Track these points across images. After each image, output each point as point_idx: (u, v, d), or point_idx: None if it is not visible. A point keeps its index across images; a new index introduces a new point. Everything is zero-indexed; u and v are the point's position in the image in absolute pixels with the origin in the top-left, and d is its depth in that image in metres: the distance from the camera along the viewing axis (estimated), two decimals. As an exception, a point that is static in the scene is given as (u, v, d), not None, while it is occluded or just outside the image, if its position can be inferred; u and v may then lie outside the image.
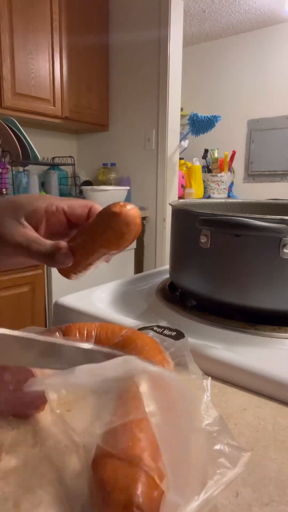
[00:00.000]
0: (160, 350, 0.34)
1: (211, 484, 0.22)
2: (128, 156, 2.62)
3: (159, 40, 2.31)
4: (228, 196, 3.14)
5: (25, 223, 0.32)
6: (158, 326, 0.42)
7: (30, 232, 0.32)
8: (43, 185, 2.57)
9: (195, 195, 2.89)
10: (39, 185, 2.41)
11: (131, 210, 0.29)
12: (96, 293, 0.60)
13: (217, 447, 0.25)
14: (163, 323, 0.43)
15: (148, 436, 0.23)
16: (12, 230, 0.32)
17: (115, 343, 0.35)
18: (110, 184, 2.64)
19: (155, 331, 0.41)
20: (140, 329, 0.42)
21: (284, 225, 0.43)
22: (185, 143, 2.76)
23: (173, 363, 0.34)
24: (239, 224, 0.43)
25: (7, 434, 0.27)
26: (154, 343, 0.35)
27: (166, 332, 0.41)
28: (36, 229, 0.33)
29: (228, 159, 3.01)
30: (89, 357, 0.27)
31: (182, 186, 2.87)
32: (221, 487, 0.22)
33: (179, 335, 0.40)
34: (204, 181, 3.03)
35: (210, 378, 0.33)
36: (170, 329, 0.41)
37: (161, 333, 0.40)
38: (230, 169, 3.11)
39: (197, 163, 2.99)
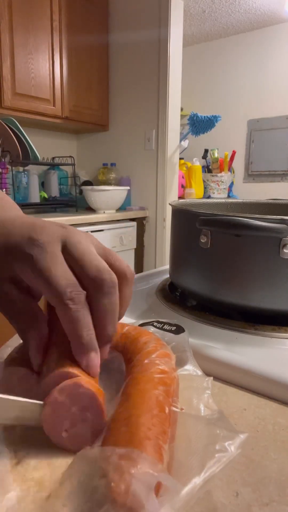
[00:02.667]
0: (161, 345, 0.34)
1: (211, 465, 0.23)
2: (128, 156, 2.62)
3: (159, 40, 2.31)
4: (228, 196, 3.14)
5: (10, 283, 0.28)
6: (158, 322, 0.42)
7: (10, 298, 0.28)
8: (43, 185, 2.57)
9: (195, 195, 2.90)
10: (39, 185, 2.41)
11: None
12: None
13: (216, 431, 0.25)
14: (163, 319, 0.43)
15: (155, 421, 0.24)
16: None
17: (117, 340, 0.35)
18: (110, 184, 2.65)
19: (155, 326, 0.41)
20: (140, 325, 0.42)
21: (284, 225, 0.43)
22: (185, 143, 2.76)
23: (174, 357, 0.34)
24: (239, 224, 0.43)
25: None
26: (157, 339, 0.35)
27: (166, 327, 0.41)
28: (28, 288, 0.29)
29: (228, 159, 3.01)
30: None
31: (182, 186, 2.87)
32: (220, 467, 0.23)
33: (179, 330, 0.40)
34: (204, 181, 3.03)
35: (211, 377, 0.33)
36: (170, 324, 0.41)
37: (161, 328, 0.40)
38: (230, 169, 3.11)
39: (197, 163, 2.99)
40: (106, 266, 0.28)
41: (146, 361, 0.30)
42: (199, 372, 0.34)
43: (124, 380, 0.31)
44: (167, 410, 0.26)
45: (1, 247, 0.27)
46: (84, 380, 0.25)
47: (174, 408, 0.27)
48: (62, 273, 0.26)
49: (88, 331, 0.27)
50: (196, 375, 0.34)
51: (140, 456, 0.21)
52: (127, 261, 2.44)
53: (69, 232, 0.29)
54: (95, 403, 0.25)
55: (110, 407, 0.27)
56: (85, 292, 0.27)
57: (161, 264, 2.57)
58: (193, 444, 0.25)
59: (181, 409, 0.28)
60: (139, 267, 2.62)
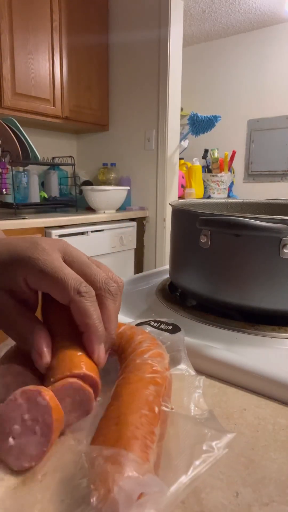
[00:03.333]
0: (156, 345, 0.34)
1: (197, 465, 0.23)
2: (128, 156, 2.62)
3: (159, 40, 2.31)
4: (228, 196, 3.14)
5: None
6: (155, 321, 0.42)
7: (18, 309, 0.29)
8: (43, 185, 2.57)
9: (195, 195, 2.90)
10: (39, 185, 2.41)
11: None
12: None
13: (204, 431, 0.25)
14: (161, 318, 0.43)
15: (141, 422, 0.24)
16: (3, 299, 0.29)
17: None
18: (110, 184, 2.65)
19: (152, 325, 0.41)
20: (137, 325, 0.42)
21: (284, 225, 0.43)
22: (185, 143, 2.76)
23: (168, 356, 0.34)
24: (239, 224, 0.43)
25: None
26: (152, 338, 0.35)
27: (162, 326, 0.41)
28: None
29: (228, 159, 3.01)
30: None
31: (182, 186, 2.87)
32: (207, 466, 0.23)
33: (175, 329, 0.40)
34: (204, 181, 3.03)
35: (203, 376, 0.33)
36: (167, 324, 0.41)
37: (157, 328, 0.40)
38: (230, 169, 3.11)
39: (197, 163, 2.99)
40: (110, 276, 0.31)
41: (138, 360, 0.30)
42: (192, 372, 0.34)
43: (117, 379, 0.31)
44: (156, 409, 0.26)
45: (6, 257, 0.29)
46: (46, 391, 0.25)
47: (164, 408, 0.27)
48: (70, 273, 0.28)
49: (101, 323, 0.28)
50: (188, 375, 0.34)
51: (126, 458, 0.21)
52: (127, 261, 2.45)
53: (65, 244, 0.31)
54: (46, 418, 0.24)
55: (102, 408, 0.27)
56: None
57: (161, 264, 2.57)
58: (181, 443, 0.25)
59: (171, 408, 0.28)
60: (139, 267, 2.62)
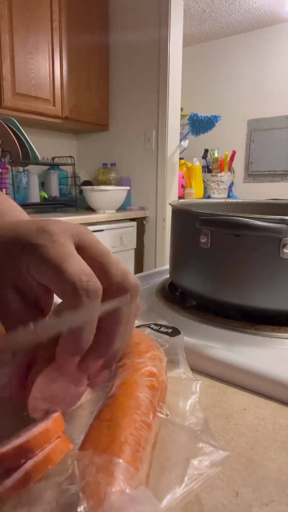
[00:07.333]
0: (154, 347, 0.33)
1: (189, 481, 0.23)
2: (128, 156, 2.62)
3: (159, 40, 2.31)
4: (228, 196, 3.14)
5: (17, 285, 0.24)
6: (155, 324, 0.42)
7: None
8: (43, 185, 2.57)
9: (195, 195, 2.89)
10: (39, 185, 2.41)
11: None
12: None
13: (199, 445, 0.25)
14: (161, 321, 0.43)
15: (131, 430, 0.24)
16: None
17: None
18: (110, 184, 2.65)
19: (152, 328, 0.41)
20: (137, 327, 0.42)
21: (284, 225, 0.43)
22: (185, 143, 2.76)
23: (165, 359, 0.34)
24: (239, 224, 0.43)
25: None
26: (151, 340, 0.35)
27: (162, 329, 0.41)
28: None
29: (228, 159, 3.01)
30: None
31: (182, 186, 2.87)
32: (199, 483, 0.23)
33: (174, 332, 0.40)
34: (204, 181, 3.03)
35: (200, 381, 0.33)
36: (167, 327, 0.41)
37: (157, 331, 0.40)
38: (230, 169, 3.11)
39: (197, 163, 2.99)
40: (131, 272, 0.25)
41: (135, 362, 0.30)
42: (190, 375, 0.34)
43: (112, 379, 0.30)
44: (151, 415, 0.25)
45: (8, 242, 0.24)
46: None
47: (159, 414, 0.27)
48: (76, 263, 0.23)
49: (90, 333, 0.23)
50: (185, 379, 0.33)
51: (118, 467, 0.21)
52: (127, 261, 2.45)
53: (84, 230, 0.26)
54: None
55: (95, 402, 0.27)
56: (101, 287, 0.23)
57: (161, 264, 2.57)
58: (174, 455, 0.24)
59: (166, 415, 0.27)
60: (139, 267, 2.62)
